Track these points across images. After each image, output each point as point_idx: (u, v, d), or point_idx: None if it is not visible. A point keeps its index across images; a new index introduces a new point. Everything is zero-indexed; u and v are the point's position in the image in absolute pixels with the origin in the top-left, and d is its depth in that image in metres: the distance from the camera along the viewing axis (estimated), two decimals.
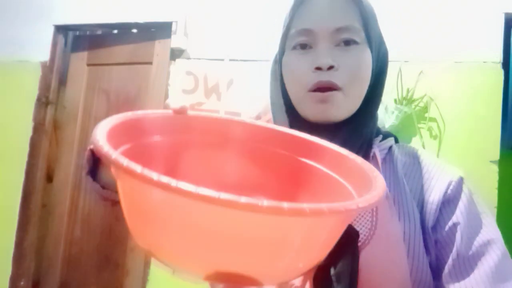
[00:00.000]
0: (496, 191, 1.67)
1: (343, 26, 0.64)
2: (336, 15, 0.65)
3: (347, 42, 0.65)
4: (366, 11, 0.66)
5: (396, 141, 0.73)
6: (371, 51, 0.67)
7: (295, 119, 0.69)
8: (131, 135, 0.43)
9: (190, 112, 0.50)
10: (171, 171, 0.48)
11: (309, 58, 0.65)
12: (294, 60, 0.67)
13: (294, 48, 0.67)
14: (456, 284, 0.60)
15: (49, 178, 2.50)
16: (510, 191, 1.77)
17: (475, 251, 0.61)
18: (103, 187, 0.57)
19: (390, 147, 0.70)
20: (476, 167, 1.68)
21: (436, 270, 0.63)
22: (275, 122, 0.72)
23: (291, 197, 0.51)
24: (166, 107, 0.50)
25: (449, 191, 0.64)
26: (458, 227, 0.62)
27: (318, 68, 0.64)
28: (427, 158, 0.70)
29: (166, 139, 0.48)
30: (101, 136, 0.36)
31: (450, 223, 0.63)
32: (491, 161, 1.70)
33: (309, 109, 0.66)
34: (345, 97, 0.64)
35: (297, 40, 0.66)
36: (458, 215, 0.63)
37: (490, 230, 0.63)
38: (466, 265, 0.61)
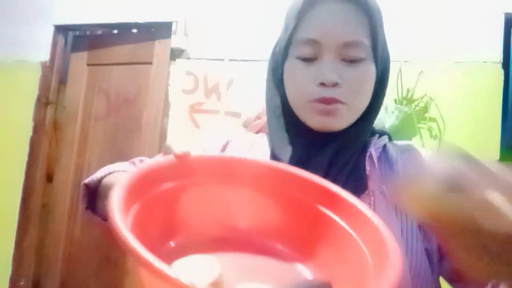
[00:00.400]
0: None
1: (351, 42, 0.62)
2: (345, 28, 0.63)
3: (353, 59, 0.63)
4: (376, 23, 0.65)
5: (390, 139, 0.74)
6: (376, 65, 0.66)
7: (292, 122, 0.69)
8: (139, 193, 0.44)
9: (193, 154, 0.50)
10: (181, 220, 0.48)
11: (313, 70, 0.64)
12: (297, 70, 0.65)
13: (298, 57, 0.65)
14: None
15: (49, 178, 2.50)
16: None
17: None
18: (104, 219, 0.57)
19: (385, 145, 0.71)
20: None
21: (440, 260, 0.64)
22: (269, 123, 0.72)
23: (307, 247, 0.50)
24: (167, 151, 0.50)
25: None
26: None
27: (322, 84, 0.62)
28: (422, 152, 0.71)
29: (173, 187, 0.48)
30: (115, 210, 0.38)
31: None
32: None
33: (311, 118, 0.65)
34: (348, 110, 0.64)
35: (302, 50, 0.64)
36: None
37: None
38: None
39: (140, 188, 0.44)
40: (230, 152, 0.74)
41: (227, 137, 0.77)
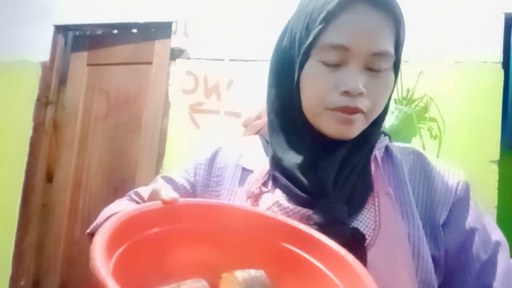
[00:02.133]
0: (496, 191, 1.67)
1: (380, 51, 0.60)
2: (376, 37, 0.60)
3: (378, 69, 0.62)
4: (401, 33, 0.63)
5: (389, 139, 0.74)
6: (395, 74, 0.65)
7: (299, 124, 0.67)
8: (123, 237, 0.44)
9: (180, 200, 0.51)
10: (164, 265, 0.49)
11: (336, 77, 0.61)
12: (319, 74, 0.62)
13: (322, 61, 0.61)
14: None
15: (49, 178, 2.50)
16: (510, 191, 1.77)
17: (491, 254, 0.63)
18: None
19: (386, 146, 0.71)
20: (476, 167, 1.68)
21: (447, 269, 0.64)
22: (270, 124, 0.71)
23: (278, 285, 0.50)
24: (154, 196, 0.50)
25: (458, 191, 0.66)
26: (473, 232, 0.63)
27: (346, 92, 0.60)
28: (429, 157, 0.71)
29: (158, 232, 0.48)
30: (98, 255, 0.39)
31: (462, 227, 0.64)
32: (491, 161, 1.70)
33: (329, 126, 0.63)
34: (365, 119, 0.64)
35: (328, 54, 0.61)
36: (471, 219, 0.65)
37: (496, 230, 0.66)
38: (487, 270, 0.62)
39: (125, 233, 0.44)
40: (220, 162, 0.73)
41: (217, 145, 0.76)
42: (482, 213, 0.67)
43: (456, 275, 0.64)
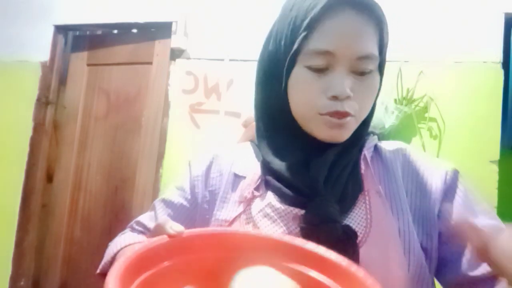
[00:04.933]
0: (496, 191, 1.67)
1: (365, 55, 0.61)
2: (360, 41, 0.61)
3: (363, 72, 0.62)
4: (384, 35, 0.64)
5: (379, 138, 0.75)
6: (380, 75, 0.66)
7: (289, 127, 0.68)
8: (134, 276, 0.45)
9: (186, 232, 0.51)
10: None
11: (324, 82, 0.62)
12: (307, 80, 0.63)
13: (308, 67, 0.62)
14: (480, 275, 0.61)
15: (49, 178, 2.50)
16: (510, 191, 1.76)
17: None
18: None
19: (375, 145, 0.72)
20: (476, 167, 1.68)
21: (440, 259, 0.64)
22: (258, 129, 0.71)
23: None
24: (160, 231, 0.51)
25: (447, 181, 0.66)
26: (464, 219, 0.63)
27: (334, 97, 0.61)
28: (417, 151, 0.72)
29: (169, 266, 0.49)
30: None
31: (453, 215, 0.64)
32: (491, 161, 1.70)
33: (320, 131, 0.64)
34: (355, 121, 0.65)
35: (314, 60, 0.62)
36: (460, 207, 0.65)
37: (491, 216, 0.65)
38: None
39: (135, 270, 0.45)
40: (214, 172, 0.73)
41: (211, 155, 0.76)
42: (475, 200, 0.67)
43: (448, 263, 0.64)
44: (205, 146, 2.01)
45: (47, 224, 2.45)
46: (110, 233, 2.28)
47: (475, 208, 0.65)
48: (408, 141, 1.80)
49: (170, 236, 0.50)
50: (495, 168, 1.69)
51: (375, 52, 0.63)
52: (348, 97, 0.61)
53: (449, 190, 0.66)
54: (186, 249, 0.51)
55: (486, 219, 0.64)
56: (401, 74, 1.81)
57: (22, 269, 2.39)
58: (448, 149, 1.76)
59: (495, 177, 1.68)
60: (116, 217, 2.28)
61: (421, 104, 1.80)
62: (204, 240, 0.53)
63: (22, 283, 2.38)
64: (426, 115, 1.79)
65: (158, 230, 0.51)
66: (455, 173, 0.68)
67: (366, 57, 0.61)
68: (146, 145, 2.23)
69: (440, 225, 0.64)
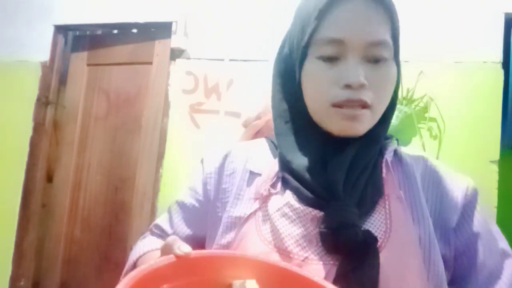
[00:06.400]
0: (496, 191, 1.67)
1: (376, 41, 0.60)
2: (370, 27, 0.60)
3: (377, 59, 0.61)
4: (396, 22, 0.63)
5: (397, 143, 0.74)
6: (397, 66, 0.65)
7: (306, 126, 0.67)
8: None
9: (193, 253, 0.51)
10: None
11: (336, 71, 0.61)
12: (319, 71, 0.62)
13: (319, 58, 0.62)
14: None
15: (49, 178, 2.50)
16: (510, 191, 1.77)
17: (497, 262, 0.63)
18: None
19: (395, 150, 0.70)
20: (476, 167, 1.68)
21: (454, 272, 0.64)
22: (277, 128, 0.70)
23: None
24: (168, 250, 0.51)
25: (467, 195, 0.66)
26: (479, 237, 0.63)
27: (348, 86, 0.60)
28: (438, 163, 0.71)
29: (174, 287, 0.49)
30: None
31: (470, 231, 0.64)
32: (491, 161, 1.70)
33: (334, 124, 0.62)
34: (371, 114, 0.63)
35: (324, 49, 0.61)
36: (478, 224, 0.64)
37: (503, 239, 0.66)
38: (492, 277, 0.62)
39: (143, 286, 0.45)
40: (228, 170, 0.72)
41: (224, 151, 0.75)
42: (489, 220, 0.67)
43: (461, 279, 0.63)
44: (205, 146, 2.01)
45: (47, 224, 2.45)
46: (110, 233, 2.28)
47: (492, 229, 0.66)
48: (408, 141, 1.80)
49: (177, 256, 0.50)
50: (495, 168, 1.69)
51: (388, 38, 0.61)
52: (362, 86, 0.59)
53: (469, 205, 0.65)
54: (192, 270, 0.51)
55: (503, 244, 0.65)
56: (401, 74, 1.81)
57: (22, 269, 2.39)
58: (448, 149, 1.76)
59: (495, 177, 1.68)
60: (116, 217, 2.27)
61: (421, 104, 1.80)
62: (211, 262, 0.53)
63: (22, 283, 2.38)
64: (426, 115, 1.79)
65: (166, 250, 0.51)
66: (476, 191, 0.67)
67: (378, 43, 0.60)
68: (146, 145, 2.23)
69: (455, 239, 0.64)
